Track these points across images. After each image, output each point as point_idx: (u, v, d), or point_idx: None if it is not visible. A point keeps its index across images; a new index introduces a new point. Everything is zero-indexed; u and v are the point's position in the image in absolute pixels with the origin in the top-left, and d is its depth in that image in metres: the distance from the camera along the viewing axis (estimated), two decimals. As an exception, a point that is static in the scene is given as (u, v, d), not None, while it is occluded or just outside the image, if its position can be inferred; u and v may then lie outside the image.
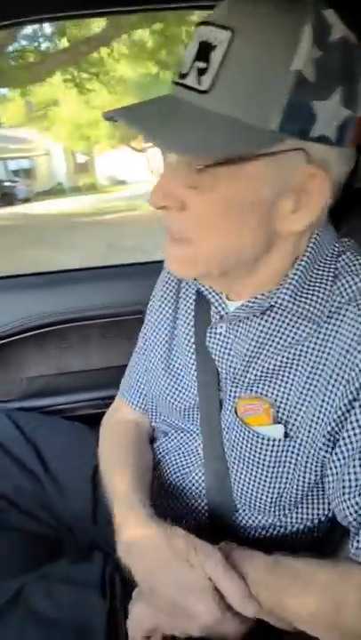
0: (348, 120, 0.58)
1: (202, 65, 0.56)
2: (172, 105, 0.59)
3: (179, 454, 0.86)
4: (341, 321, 0.66)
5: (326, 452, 0.67)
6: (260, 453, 0.71)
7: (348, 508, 0.64)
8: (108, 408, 1.25)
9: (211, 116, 0.56)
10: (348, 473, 0.64)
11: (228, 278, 0.71)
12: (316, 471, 0.69)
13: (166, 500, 0.85)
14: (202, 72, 0.56)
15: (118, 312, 1.40)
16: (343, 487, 0.64)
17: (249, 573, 0.64)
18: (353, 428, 0.64)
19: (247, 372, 0.73)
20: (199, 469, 0.82)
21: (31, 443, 1.11)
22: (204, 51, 0.56)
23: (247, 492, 0.74)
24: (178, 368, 0.86)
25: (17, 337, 1.38)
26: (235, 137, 0.55)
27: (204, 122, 0.56)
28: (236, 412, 0.74)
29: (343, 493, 0.64)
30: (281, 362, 0.70)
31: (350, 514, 0.64)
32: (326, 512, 0.74)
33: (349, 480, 0.64)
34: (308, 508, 0.73)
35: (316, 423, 0.67)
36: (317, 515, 0.74)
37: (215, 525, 0.79)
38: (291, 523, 0.75)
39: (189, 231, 0.65)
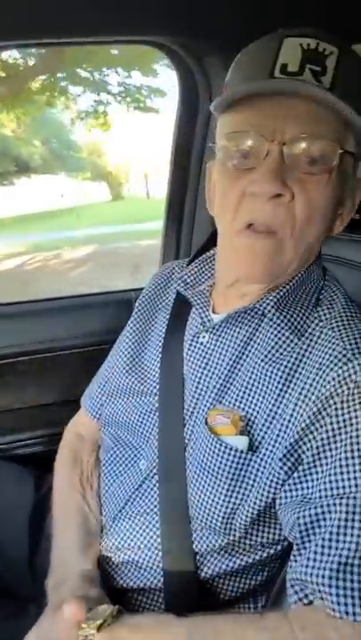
0: None
1: (315, 67, 0.66)
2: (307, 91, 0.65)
3: (126, 474, 0.85)
4: (318, 337, 0.71)
5: (283, 466, 0.68)
6: (220, 463, 0.71)
7: (298, 518, 0.65)
8: (46, 447, 1.21)
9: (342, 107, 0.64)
10: (307, 481, 0.66)
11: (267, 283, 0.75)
12: (272, 492, 0.69)
13: (116, 523, 0.82)
14: (319, 74, 0.66)
15: (57, 347, 1.36)
16: (299, 495, 0.66)
17: None
18: (314, 438, 0.66)
19: (225, 383, 0.76)
20: (150, 487, 0.80)
21: None
22: (314, 57, 0.67)
23: (202, 504, 0.73)
24: (142, 372, 0.88)
25: None
26: None
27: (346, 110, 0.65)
28: (206, 422, 0.75)
29: (300, 501, 0.66)
30: (258, 374, 0.73)
31: (300, 524, 0.64)
32: (277, 547, 0.74)
33: (308, 487, 0.66)
34: (259, 536, 0.73)
35: (282, 437, 0.68)
36: (268, 547, 0.74)
37: (168, 554, 0.77)
38: (242, 550, 0.74)
39: (290, 224, 0.68)
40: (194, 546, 0.75)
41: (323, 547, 0.61)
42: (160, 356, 0.87)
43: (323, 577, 0.59)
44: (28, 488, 1.05)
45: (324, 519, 0.62)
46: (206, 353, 0.80)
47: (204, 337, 0.81)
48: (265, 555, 0.75)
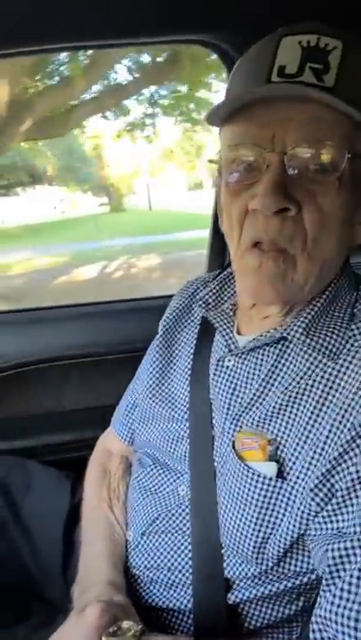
0: None
1: (317, 65, 0.61)
2: (302, 94, 0.60)
3: (160, 492, 0.83)
4: (354, 358, 0.65)
5: (315, 497, 0.63)
6: (249, 490, 0.68)
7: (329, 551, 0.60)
8: (84, 451, 1.21)
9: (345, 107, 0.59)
10: (342, 514, 0.61)
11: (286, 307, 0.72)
12: (304, 522, 0.64)
13: (144, 538, 0.80)
14: (319, 72, 0.61)
15: (97, 352, 1.36)
16: (334, 528, 0.61)
17: None
18: (348, 467, 0.61)
19: (252, 406, 0.72)
20: (182, 509, 0.78)
21: (2, 487, 1.06)
22: (316, 54, 0.61)
23: (233, 531, 0.70)
24: (169, 398, 0.86)
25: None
26: None
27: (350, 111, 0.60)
28: (233, 446, 0.71)
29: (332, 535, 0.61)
30: (288, 397, 0.68)
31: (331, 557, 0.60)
32: (311, 575, 0.70)
33: (343, 520, 0.60)
34: (292, 564, 0.69)
35: (314, 465, 0.64)
36: (302, 575, 0.70)
37: (198, 577, 0.74)
38: (275, 578, 0.70)
39: (301, 239, 0.64)
40: (226, 572, 0.72)
41: (350, 584, 0.56)
42: (188, 380, 0.83)
43: (348, 618, 0.54)
44: (65, 492, 1.05)
45: (355, 554, 0.57)
46: (233, 377, 0.76)
47: (229, 361, 0.77)
48: (298, 582, 0.70)
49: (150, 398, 0.88)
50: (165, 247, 9.38)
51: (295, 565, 0.68)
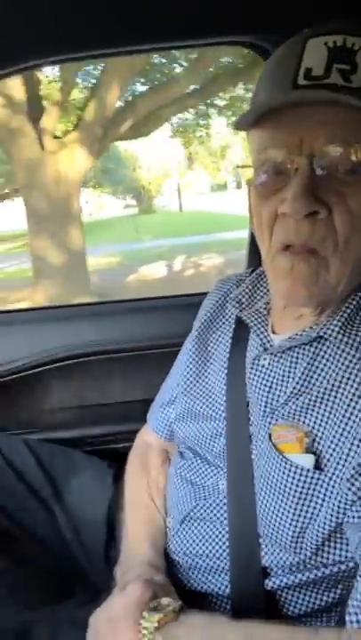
0: None
1: (344, 67, 0.61)
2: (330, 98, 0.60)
3: (200, 484, 0.84)
4: None
5: (352, 487, 0.63)
6: (287, 481, 0.69)
7: None
8: (126, 443, 1.25)
9: None
10: None
11: (319, 308, 0.72)
12: (342, 512, 0.65)
13: (183, 525, 0.83)
14: (348, 72, 0.60)
15: (141, 346, 1.40)
16: None
17: None
18: None
19: (288, 402, 0.73)
20: (220, 499, 0.80)
21: (48, 475, 1.11)
22: (342, 54, 0.61)
23: (271, 522, 0.71)
24: (206, 396, 0.87)
25: (40, 369, 1.39)
26: None
27: None
28: (270, 438, 0.73)
29: None
30: (325, 391, 0.69)
31: None
32: (349, 563, 0.70)
33: None
34: (330, 553, 0.69)
35: (351, 457, 0.64)
36: (340, 563, 0.70)
37: (236, 564, 0.76)
38: (313, 568, 0.71)
39: (332, 240, 0.64)
40: (263, 560, 0.73)
41: None
42: (225, 379, 0.85)
43: None
44: (107, 481, 1.09)
45: None
46: (269, 375, 0.77)
47: (265, 359, 0.77)
48: (336, 570, 0.71)
49: (187, 396, 0.90)
50: (218, 246, 9.38)
51: (333, 554, 0.69)
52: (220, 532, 0.78)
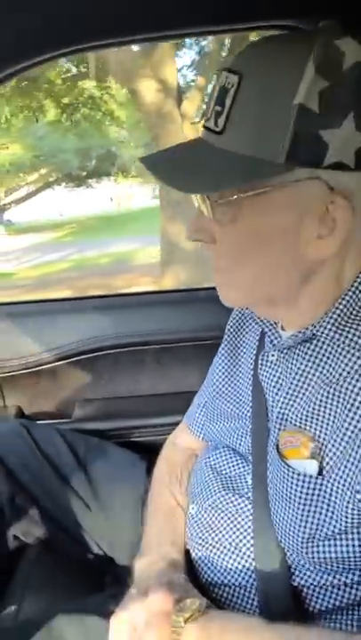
0: None
1: (218, 108, 0.61)
2: (196, 147, 0.64)
3: (228, 473, 0.83)
4: None
5: (358, 493, 0.60)
6: (292, 488, 0.67)
7: None
8: (159, 436, 1.24)
9: (226, 154, 0.60)
10: None
11: (278, 307, 0.72)
12: (351, 517, 0.62)
13: (210, 518, 0.81)
14: (218, 115, 0.61)
15: (173, 338, 1.39)
16: None
17: None
18: None
19: (293, 403, 0.71)
20: (246, 491, 0.79)
21: (82, 466, 1.11)
22: (221, 95, 0.61)
23: (284, 527, 0.69)
24: (236, 397, 0.87)
25: (73, 359, 1.40)
26: (243, 170, 0.59)
27: (219, 161, 0.60)
28: (277, 445, 0.71)
29: None
30: (325, 395, 0.67)
31: None
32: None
33: None
34: (346, 558, 0.66)
35: (353, 464, 0.62)
36: (354, 566, 0.67)
37: (261, 559, 0.74)
38: (333, 570, 0.68)
39: (224, 262, 0.69)
40: (286, 557, 0.71)
41: None
42: (252, 379, 0.83)
43: None
44: (140, 473, 1.08)
45: None
46: (276, 372, 0.75)
47: (273, 355, 0.77)
48: (352, 573, 0.68)
49: (218, 398, 0.90)
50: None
51: (351, 560, 0.65)
52: (245, 523, 0.77)
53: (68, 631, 0.76)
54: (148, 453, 1.12)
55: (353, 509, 0.61)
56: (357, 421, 0.62)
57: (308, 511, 0.66)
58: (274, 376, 0.76)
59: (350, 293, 0.67)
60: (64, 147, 13.19)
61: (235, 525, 0.77)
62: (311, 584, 0.70)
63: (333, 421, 0.65)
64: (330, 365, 0.67)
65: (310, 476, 0.65)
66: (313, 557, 0.67)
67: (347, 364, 0.65)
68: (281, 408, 0.72)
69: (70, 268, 8.96)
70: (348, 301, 0.67)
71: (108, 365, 1.43)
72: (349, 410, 0.63)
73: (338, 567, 0.67)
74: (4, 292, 7.08)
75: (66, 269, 8.83)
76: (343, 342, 0.66)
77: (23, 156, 13.45)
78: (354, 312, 0.67)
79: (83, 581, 0.98)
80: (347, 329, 0.66)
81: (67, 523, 1.06)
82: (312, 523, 0.65)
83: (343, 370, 0.65)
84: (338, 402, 0.65)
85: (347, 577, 0.69)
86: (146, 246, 9.82)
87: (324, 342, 0.69)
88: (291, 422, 0.70)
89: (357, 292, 0.67)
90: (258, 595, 0.74)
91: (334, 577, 0.69)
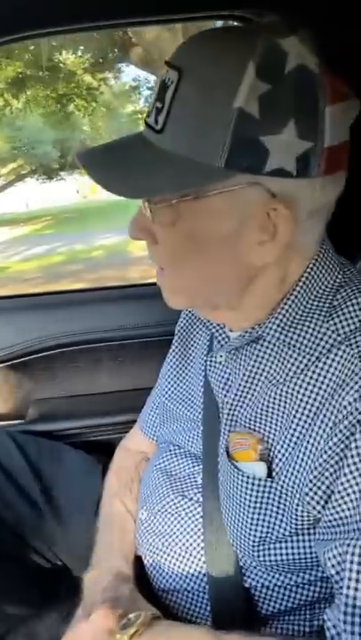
0: (310, 151, 0.56)
1: (159, 105, 0.58)
2: (136, 146, 0.61)
3: (178, 475, 0.82)
4: (333, 360, 0.61)
5: (312, 500, 0.59)
6: (241, 491, 0.66)
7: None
8: (115, 435, 1.21)
9: (164, 155, 0.57)
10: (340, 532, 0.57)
11: (221, 311, 0.71)
12: (301, 520, 0.62)
13: (160, 523, 0.79)
14: (158, 112, 0.58)
15: (129, 335, 1.35)
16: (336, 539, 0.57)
17: None
18: (347, 481, 0.56)
19: (241, 404, 0.70)
20: (195, 493, 0.77)
21: (34, 469, 1.07)
22: (162, 91, 0.57)
23: (235, 530, 0.69)
24: (186, 399, 0.85)
25: (25, 358, 1.34)
26: (180, 174, 0.56)
27: (157, 163, 0.58)
28: (227, 447, 0.70)
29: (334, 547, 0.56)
30: (272, 397, 0.66)
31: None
32: (321, 570, 0.66)
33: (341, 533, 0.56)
34: (297, 561, 0.66)
35: (301, 466, 0.61)
36: (311, 570, 0.67)
37: (212, 562, 0.72)
38: (285, 571, 0.68)
39: (165, 263, 0.67)
40: (238, 559, 0.70)
41: (348, 597, 0.52)
42: (202, 380, 0.82)
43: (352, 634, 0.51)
44: (95, 476, 1.05)
45: (351, 561, 0.53)
46: (225, 373, 0.74)
47: (221, 356, 0.75)
48: (314, 572, 0.67)
49: (169, 400, 0.88)
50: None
51: (302, 561, 0.65)
52: (195, 527, 0.75)
53: None
54: (105, 454, 1.09)
55: (303, 511, 0.61)
56: (304, 422, 0.62)
57: (259, 514, 0.65)
58: (222, 377, 0.74)
59: (296, 293, 0.66)
60: (42, 138, 13.06)
61: (185, 530, 0.76)
62: (263, 585, 0.70)
63: (281, 422, 0.65)
64: (276, 366, 0.67)
65: (259, 479, 0.65)
66: (264, 560, 0.66)
67: (293, 364, 0.65)
68: (230, 409, 0.71)
69: (66, 261, 8.74)
70: (293, 302, 0.66)
71: (61, 364, 1.38)
72: (296, 410, 0.63)
73: (289, 568, 0.66)
74: (14, 287, 6.88)
75: (62, 262, 8.63)
76: (289, 343, 0.65)
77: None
78: (299, 313, 0.66)
79: (36, 593, 0.94)
80: (292, 330, 0.65)
81: (20, 530, 1.02)
82: (262, 526, 0.65)
83: (289, 370, 0.65)
84: (285, 402, 0.65)
85: (298, 576, 0.68)
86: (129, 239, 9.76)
87: (270, 342, 0.67)
88: (240, 423, 0.69)
89: (302, 292, 0.66)
90: (210, 600, 0.72)
91: (285, 577, 0.69)
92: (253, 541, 0.65)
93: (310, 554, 0.64)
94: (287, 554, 0.65)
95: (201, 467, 0.78)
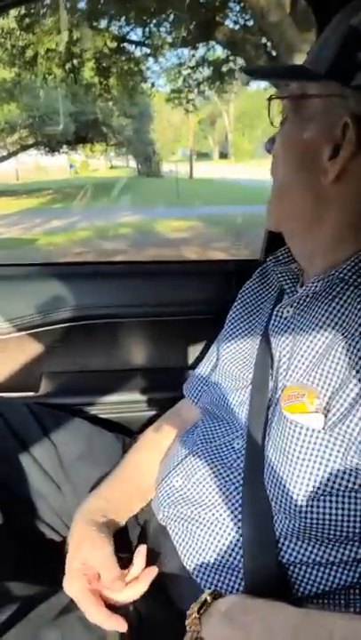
0: None
1: None
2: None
3: (215, 443, 0.81)
4: None
5: None
6: (293, 442, 0.65)
7: None
8: (128, 413, 1.18)
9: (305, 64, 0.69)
10: None
11: (295, 238, 0.76)
12: (355, 473, 0.61)
13: (196, 491, 0.78)
14: None
15: (149, 312, 1.32)
16: None
17: (272, 630, 0.53)
18: None
19: (300, 358, 0.70)
20: (236, 462, 0.77)
21: (51, 442, 1.04)
22: None
23: (279, 486, 0.67)
24: (243, 359, 0.86)
25: (41, 329, 1.30)
26: (293, 76, 0.70)
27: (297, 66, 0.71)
28: (281, 399, 0.70)
29: None
30: (330, 344, 0.66)
31: None
32: (353, 554, 0.65)
33: None
34: (344, 526, 0.64)
35: (358, 412, 0.60)
36: (356, 543, 0.65)
37: (248, 534, 0.71)
38: (328, 543, 0.66)
39: (273, 170, 0.74)
40: (276, 530, 0.68)
41: None
42: (261, 338, 0.82)
43: None
44: (116, 456, 1.02)
45: None
46: (290, 328, 0.74)
47: (288, 311, 0.75)
48: (355, 549, 0.66)
49: (222, 361, 0.88)
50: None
51: (344, 525, 0.63)
52: (233, 496, 0.74)
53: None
54: (126, 434, 1.06)
55: (358, 464, 0.60)
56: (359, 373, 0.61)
57: (308, 466, 0.64)
58: (284, 331, 0.75)
59: None
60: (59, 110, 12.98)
61: (222, 499, 0.75)
62: (300, 561, 0.68)
63: (340, 376, 0.64)
64: (342, 314, 0.67)
65: (313, 430, 0.64)
66: (305, 518, 0.64)
67: (359, 315, 0.65)
68: (288, 362, 0.71)
69: (94, 236, 8.67)
70: None
71: (79, 337, 1.34)
72: (357, 363, 0.62)
73: (329, 533, 0.65)
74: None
75: (91, 237, 8.57)
76: (356, 291, 0.66)
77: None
78: None
79: (47, 567, 0.91)
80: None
81: (32, 503, 0.99)
82: (309, 479, 0.64)
83: (353, 320, 0.65)
84: (346, 355, 0.64)
85: (337, 551, 0.66)
86: (147, 217, 9.70)
87: (341, 291, 0.68)
88: (297, 376, 0.69)
89: None
90: (244, 576, 0.70)
91: (324, 551, 0.67)
92: (298, 495, 0.64)
93: (353, 516, 0.62)
94: (330, 513, 0.63)
95: (240, 432, 0.78)
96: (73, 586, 0.74)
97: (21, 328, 1.29)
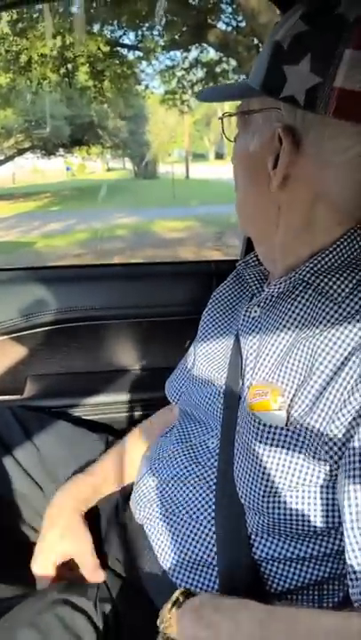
0: (318, 86, 0.61)
1: None
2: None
3: (189, 443, 0.83)
4: (357, 304, 0.64)
5: (333, 446, 0.60)
6: (257, 439, 0.67)
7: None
8: (112, 414, 1.18)
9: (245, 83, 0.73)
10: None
11: (262, 246, 0.79)
12: (317, 473, 0.62)
13: (173, 491, 0.80)
14: None
15: (131, 313, 1.33)
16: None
17: (240, 626, 0.54)
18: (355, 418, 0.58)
19: (265, 356, 0.71)
20: (210, 461, 0.78)
21: (34, 445, 1.04)
22: None
23: (246, 481, 0.69)
24: (216, 358, 0.86)
25: (25, 332, 1.31)
26: (234, 93, 0.77)
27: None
28: (246, 396, 0.72)
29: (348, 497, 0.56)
30: (296, 349, 0.67)
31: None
32: (334, 540, 0.66)
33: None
34: (311, 522, 0.65)
35: (321, 417, 0.62)
36: (326, 536, 0.66)
37: (222, 529, 0.73)
38: (298, 538, 0.67)
39: (234, 180, 0.78)
40: (247, 525, 0.70)
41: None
42: (234, 339, 0.83)
43: None
44: (98, 454, 1.02)
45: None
46: (258, 328, 0.76)
47: (256, 311, 0.78)
48: (325, 544, 0.67)
49: (198, 361, 0.89)
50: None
51: (310, 520, 0.64)
52: (206, 494, 0.76)
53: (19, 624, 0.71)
54: (110, 433, 1.07)
55: (319, 459, 0.61)
56: (327, 374, 0.63)
57: (272, 463, 0.65)
58: (252, 330, 0.77)
59: (339, 241, 0.69)
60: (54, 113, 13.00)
61: (196, 497, 0.76)
62: (273, 557, 0.69)
63: (303, 373, 0.66)
64: (305, 312, 0.69)
65: (276, 427, 0.65)
66: (273, 513, 0.65)
67: (321, 311, 0.67)
68: (254, 361, 0.73)
69: (90, 238, 8.73)
70: (332, 253, 0.69)
71: (63, 340, 1.35)
72: (320, 363, 0.64)
73: (297, 528, 0.65)
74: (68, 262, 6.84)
75: (90, 239, 8.63)
76: (322, 290, 0.68)
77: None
78: (336, 264, 0.69)
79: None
80: (329, 277, 0.68)
81: (16, 506, 1.00)
82: (274, 475, 0.65)
83: (316, 316, 0.67)
84: (309, 354, 0.66)
85: (308, 547, 0.68)
86: (144, 218, 9.69)
87: (302, 291, 0.70)
88: (262, 373, 0.71)
89: (346, 241, 0.70)
90: (219, 573, 0.72)
91: (295, 547, 0.68)
92: (264, 491, 0.65)
93: (320, 510, 0.64)
94: (296, 508, 0.64)
95: (215, 432, 0.79)
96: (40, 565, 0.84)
97: (5, 332, 1.31)
